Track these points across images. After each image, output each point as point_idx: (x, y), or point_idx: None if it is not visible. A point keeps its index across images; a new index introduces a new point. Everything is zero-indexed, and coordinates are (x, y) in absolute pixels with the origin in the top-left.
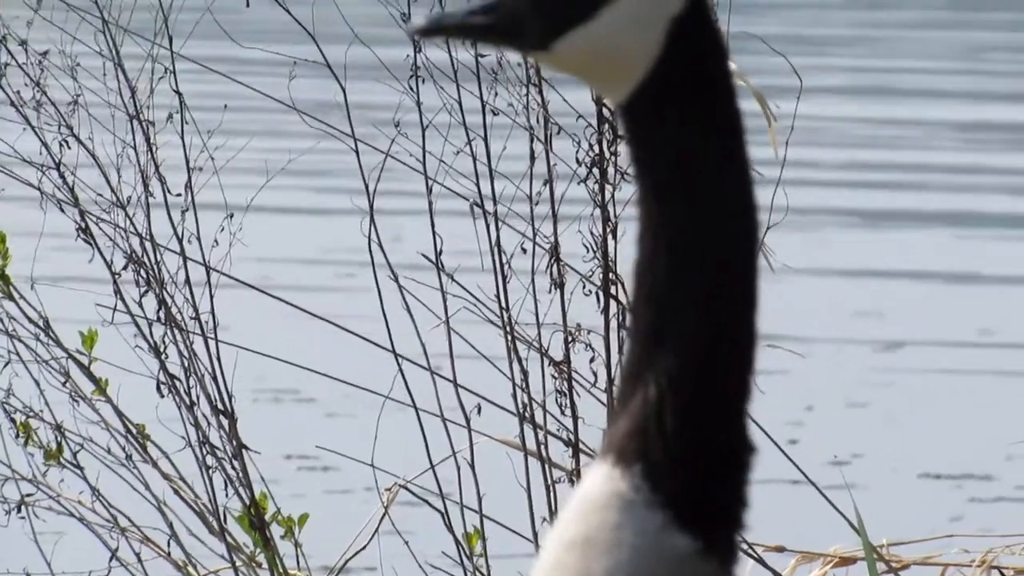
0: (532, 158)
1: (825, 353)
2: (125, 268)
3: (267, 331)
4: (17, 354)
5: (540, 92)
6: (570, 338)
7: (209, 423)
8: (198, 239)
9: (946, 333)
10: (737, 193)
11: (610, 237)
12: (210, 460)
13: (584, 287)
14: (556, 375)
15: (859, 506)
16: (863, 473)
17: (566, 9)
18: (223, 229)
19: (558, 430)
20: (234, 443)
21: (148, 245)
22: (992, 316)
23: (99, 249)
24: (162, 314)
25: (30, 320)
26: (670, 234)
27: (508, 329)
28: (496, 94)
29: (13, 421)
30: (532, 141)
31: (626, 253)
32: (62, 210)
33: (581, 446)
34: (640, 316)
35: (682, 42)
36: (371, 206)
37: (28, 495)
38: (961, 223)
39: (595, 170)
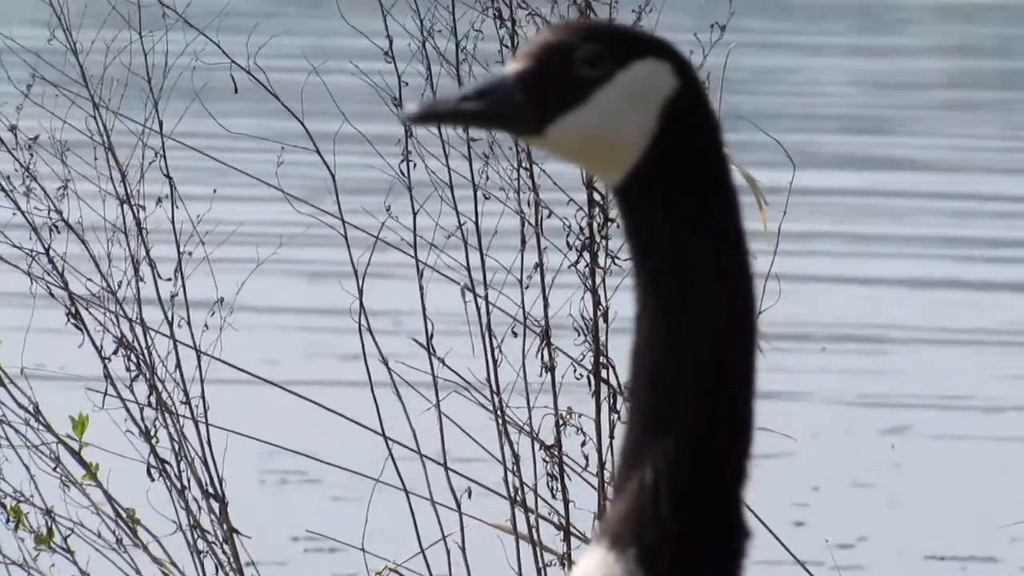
0: (523, 241)
1: (832, 435)
2: (115, 353)
3: (263, 414)
4: (7, 440)
5: (531, 175)
6: (561, 421)
7: (200, 507)
8: (188, 323)
9: (950, 417)
10: (733, 278)
11: (601, 320)
12: (201, 544)
13: (575, 370)
14: (547, 459)
15: None
16: (869, 555)
17: (558, 93)
18: (213, 313)
19: (549, 514)
20: (225, 527)
21: (138, 330)
22: (998, 385)
23: (89, 334)
24: (152, 399)
25: (20, 406)
26: (666, 318)
27: (499, 412)
28: (487, 177)
29: (3, 506)
30: (523, 224)
31: (617, 337)
32: (52, 295)
33: (572, 530)
34: (637, 399)
35: (676, 124)
36: (360, 291)
37: None
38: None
39: (586, 253)
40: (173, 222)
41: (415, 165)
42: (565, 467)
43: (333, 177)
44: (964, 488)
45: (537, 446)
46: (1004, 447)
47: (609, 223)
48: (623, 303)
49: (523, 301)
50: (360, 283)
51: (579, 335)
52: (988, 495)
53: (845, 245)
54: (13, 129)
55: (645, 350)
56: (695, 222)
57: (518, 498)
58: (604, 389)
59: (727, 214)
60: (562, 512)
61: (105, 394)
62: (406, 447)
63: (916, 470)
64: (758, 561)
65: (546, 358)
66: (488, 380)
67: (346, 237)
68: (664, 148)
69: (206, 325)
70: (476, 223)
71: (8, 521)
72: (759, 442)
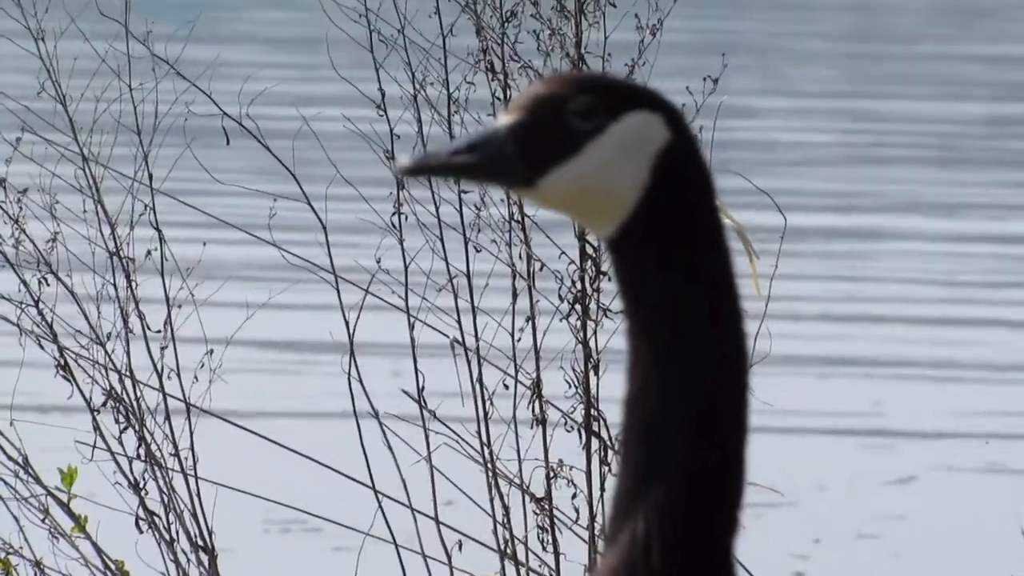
0: (514, 295)
1: (835, 486)
2: (104, 405)
3: (258, 463)
4: None
5: (523, 227)
6: (552, 474)
7: (189, 559)
8: (178, 375)
9: (955, 465)
10: (725, 328)
11: (592, 374)
12: None
13: (566, 424)
14: (538, 512)
15: None
16: None
17: (551, 145)
18: (203, 365)
19: (540, 567)
20: None
21: (128, 382)
22: (1002, 450)
23: (78, 385)
24: (142, 451)
25: (9, 458)
26: (658, 367)
27: (490, 466)
28: (479, 230)
29: None
30: (514, 278)
31: (608, 390)
32: (41, 347)
33: None
34: (629, 449)
35: (668, 176)
36: (351, 343)
37: None
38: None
39: (577, 307)
40: (163, 274)
41: (407, 218)
42: (556, 520)
43: (325, 230)
44: (969, 540)
45: (528, 499)
46: (1013, 497)
47: (601, 276)
48: (615, 356)
49: (514, 354)
50: (351, 333)
51: (570, 387)
52: (994, 548)
53: (847, 284)
54: (2, 182)
55: (637, 400)
56: (687, 273)
57: (508, 551)
58: (595, 442)
59: (719, 265)
60: (553, 565)
61: (94, 447)
62: (396, 501)
63: (921, 521)
64: None
65: (537, 411)
66: (479, 432)
67: (338, 290)
68: (656, 200)
69: (196, 377)
70: (468, 275)
71: None
72: (759, 492)
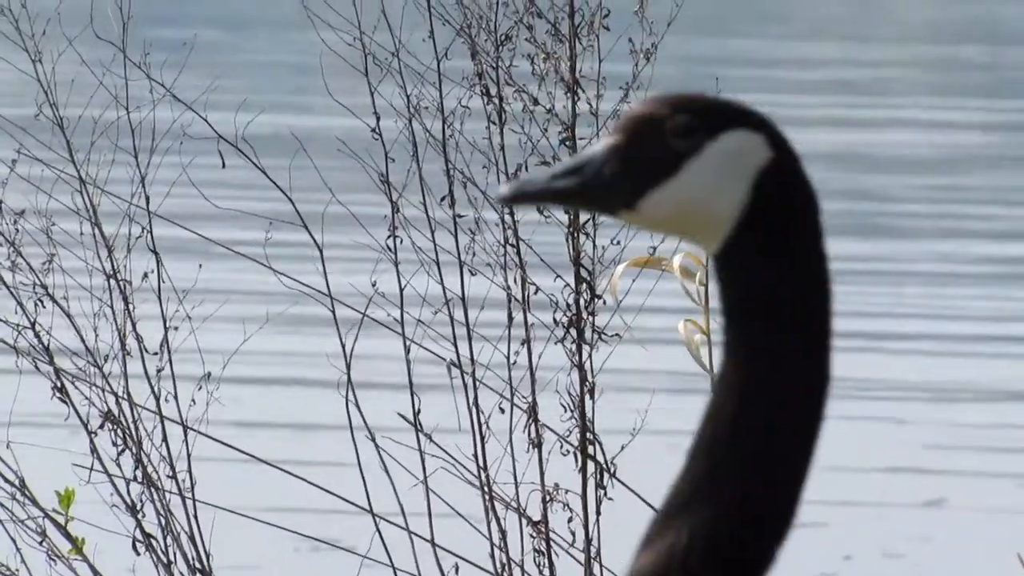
0: (510, 318)
1: (865, 505)
2: (101, 427)
3: (261, 482)
4: None
5: (518, 251)
6: (548, 498)
7: None
8: (175, 398)
9: (986, 490)
10: (807, 371)
11: (588, 397)
12: None
13: (562, 447)
14: (534, 535)
15: None
16: None
17: (649, 166)
18: (200, 388)
19: None
20: None
21: (124, 404)
22: None
23: (75, 407)
24: (139, 472)
25: (6, 480)
26: (740, 391)
27: (486, 489)
28: (474, 254)
29: None
30: (509, 301)
31: (603, 413)
32: (37, 368)
33: None
34: (694, 460)
35: (770, 196)
36: (348, 367)
37: None
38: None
39: (572, 330)
40: (160, 297)
41: (402, 241)
42: (552, 543)
43: (321, 253)
44: (996, 561)
45: (524, 522)
46: None
47: (596, 299)
48: (610, 379)
49: (510, 378)
50: (348, 359)
51: (566, 411)
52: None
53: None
54: None
55: (715, 413)
56: (782, 301)
57: (504, 574)
58: (591, 465)
59: (814, 299)
60: None
61: (91, 469)
62: (393, 524)
63: (948, 542)
64: None
65: (533, 434)
66: (475, 455)
67: (334, 314)
68: (758, 219)
69: (193, 400)
70: (463, 299)
71: None
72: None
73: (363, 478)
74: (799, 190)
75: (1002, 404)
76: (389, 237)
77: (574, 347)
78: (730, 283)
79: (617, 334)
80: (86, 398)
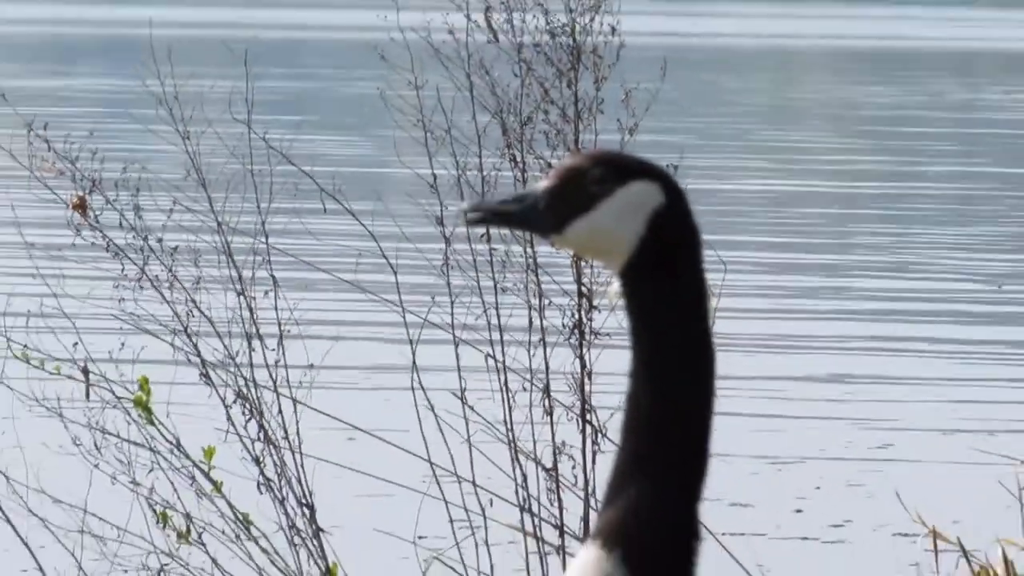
0: (530, 322)
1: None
2: (235, 402)
3: (354, 448)
4: (158, 464)
5: (536, 276)
6: (557, 451)
7: (295, 512)
8: (287, 382)
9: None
10: (696, 359)
11: (587, 379)
12: (296, 539)
13: (567, 415)
14: (547, 478)
15: None
16: None
17: (573, 203)
18: (306, 374)
19: (549, 517)
20: (313, 527)
21: (251, 385)
22: None
23: (216, 388)
24: (261, 435)
25: (166, 440)
26: (647, 377)
27: (513, 445)
28: (505, 276)
29: (155, 511)
30: (530, 310)
31: (598, 391)
32: (189, 360)
33: (566, 529)
34: (626, 438)
35: (660, 230)
36: (414, 360)
37: (165, 565)
38: None
39: (576, 331)
40: (276, 309)
41: (452, 267)
42: (560, 483)
43: (395, 274)
44: None
45: (540, 468)
46: None
47: (593, 308)
48: (603, 365)
49: (530, 366)
50: (413, 355)
51: (571, 390)
52: None
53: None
54: (160, 240)
55: (633, 399)
56: (669, 307)
57: (526, 506)
58: (588, 429)
59: (695, 302)
60: (557, 515)
61: (227, 432)
62: (444, 469)
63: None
64: None
65: (547, 406)
66: (505, 421)
67: (404, 320)
68: (650, 247)
69: (300, 382)
70: (496, 309)
71: (158, 522)
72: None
73: (422, 432)
74: (685, 227)
75: None
76: (443, 264)
77: (577, 343)
78: (631, 295)
79: (608, 333)
80: (224, 381)
